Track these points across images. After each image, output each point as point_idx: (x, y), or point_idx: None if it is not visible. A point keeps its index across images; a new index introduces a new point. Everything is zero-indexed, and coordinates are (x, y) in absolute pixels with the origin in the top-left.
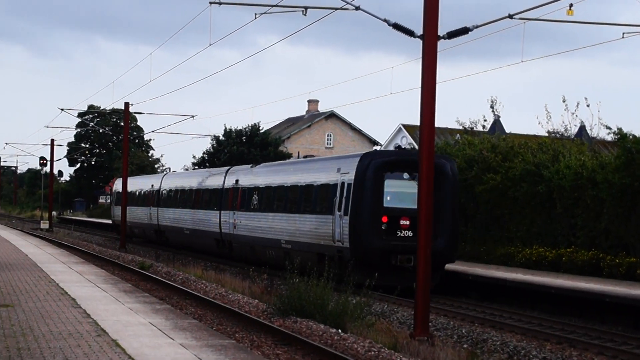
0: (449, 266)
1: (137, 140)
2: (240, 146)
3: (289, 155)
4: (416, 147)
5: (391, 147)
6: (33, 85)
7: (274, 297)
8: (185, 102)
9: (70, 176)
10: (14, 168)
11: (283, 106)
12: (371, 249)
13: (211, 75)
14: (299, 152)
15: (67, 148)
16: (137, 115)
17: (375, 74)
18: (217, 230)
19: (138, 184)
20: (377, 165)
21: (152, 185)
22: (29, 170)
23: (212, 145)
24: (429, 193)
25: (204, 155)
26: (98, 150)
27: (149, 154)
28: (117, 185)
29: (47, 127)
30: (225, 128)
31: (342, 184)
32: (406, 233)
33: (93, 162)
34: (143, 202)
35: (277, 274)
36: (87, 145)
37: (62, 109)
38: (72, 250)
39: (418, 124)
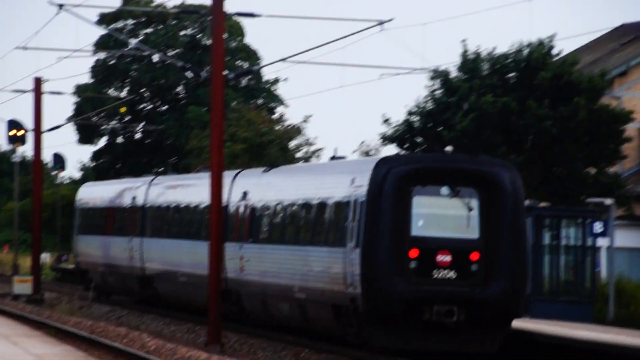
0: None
1: (247, 82)
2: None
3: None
4: None
5: None
6: None
7: None
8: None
9: (84, 168)
10: None
11: None
12: (392, 296)
13: None
14: None
15: (75, 101)
16: (244, 22)
17: None
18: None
19: (104, 194)
20: (400, 175)
21: (134, 198)
22: None
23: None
24: None
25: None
26: (149, 107)
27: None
28: (85, 193)
29: (26, 48)
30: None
31: (356, 201)
32: (446, 274)
33: (138, 136)
34: (118, 228)
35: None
36: (122, 94)
37: (60, 5)
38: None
39: None
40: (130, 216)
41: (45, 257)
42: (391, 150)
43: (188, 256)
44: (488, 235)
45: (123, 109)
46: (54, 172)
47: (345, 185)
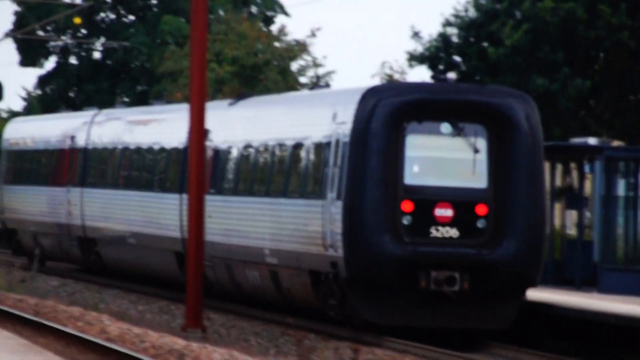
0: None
1: None
2: None
3: None
4: None
5: None
6: None
7: None
8: None
9: (28, 97)
10: None
11: None
12: (380, 259)
13: None
14: None
15: (15, 10)
16: None
17: None
18: (176, 236)
19: (37, 133)
20: (391, 108)
21: (73, 138)
22: None
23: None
24: None
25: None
26: (111, 17)
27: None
28: (13, 131)
29: None
30: None
31: (337, 142)
32: (446, 232)
33: (97, 55)
34: (53, 176)
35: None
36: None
37: None
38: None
39: None
40: (69, 161)
41: None
42: (421, 73)
43: (138, 212)
44: (498, 184)
45: (77, 20)
46: None
47: (326, 121)
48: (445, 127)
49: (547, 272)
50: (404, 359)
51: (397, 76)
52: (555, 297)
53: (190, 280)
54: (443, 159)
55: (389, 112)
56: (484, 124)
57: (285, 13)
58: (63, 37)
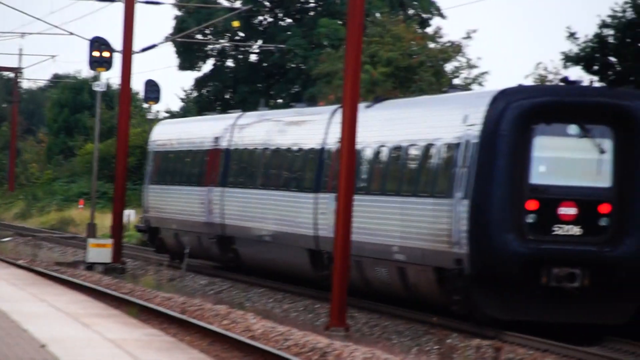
0: None
1: None
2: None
3: None
4: None
5: None
6: None
7: None
8: None
9: (186, 99)
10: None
11: None
12: (504, 257)
13: None
14: None
15: (176, 14)
16: None
17: None
18: (309, 233)
19: (183, 134)
20: (520, 110)
21: (217, 139)
22: (57, 78)
23: None
24: None
25: None
26: (268, 20)
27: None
28: (160, 133)
29: None
30: None
31: (467, 143)
32: (569, 230)
33: (253, 57)
34: (193, 176)
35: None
36: (236, 4)
37: None
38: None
39: None
40: (211, 161)
41: (130, 215)
42: (576, 73)
43: (274, 211)
44: (622, 184)
45: (236, 24)
46: (145, 105)
47: (457, 123)
48: (573, 128)
49: None
50: (545, 359)
51: (551, 77)
52: None
53: (335, 280)
54: (569, 159)
55: (518, 114)
56: (610, 126)
57: (441, 15)
58: (221, 41)
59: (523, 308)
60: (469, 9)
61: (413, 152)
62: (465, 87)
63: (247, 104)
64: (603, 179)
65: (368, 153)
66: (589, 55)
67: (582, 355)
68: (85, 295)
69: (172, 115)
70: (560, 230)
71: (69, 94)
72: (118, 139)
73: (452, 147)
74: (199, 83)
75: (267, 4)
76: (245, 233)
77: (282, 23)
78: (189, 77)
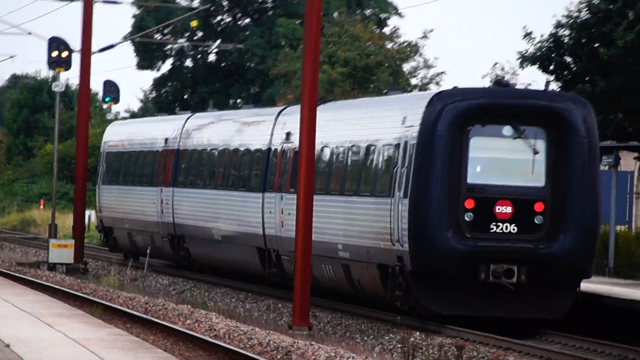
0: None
1: None
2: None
3: None
4: None
5: None
6: None
7: None
8: None
9: (144, 99)
10: None
11: None
12: (443, 253)
13: None
14: None
15: (134, 13)
16: None
17: None
18: (257, 232)
19: (134, 135)
20: (456, 113)
21: (167, 140)
22: (16, 78)
23: None
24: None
25: None
26: (227, 20)
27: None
28: (112, 134)
29: None
30: None
31: (406, 144)
32: (506, 228)
33: (212, 57)
34: (145, 177)
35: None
36: (194, 3)
37: None
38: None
39: None
40: (161, 162)
41: (91, 215)
42: (532, 73)
43: (224, 210)
44: (555, 183)
45: (194, 23)
46: (105, 106)
47: (396, 125)
48: (507, 129)
49: None
50: (507, 357)
51: (508, 77)
52: None
53: (297, 279)
54: (504, 159)
55: (454, 116)
56: (543, 127)
57: (399, 14)
58: (180, 40)
59: (463, 303)
60: (427, 8)
61: (355, 152)
62: (405, 89)
63: (206, 104)
64: (537, 178)
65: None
66: (545, 55)
67: (543, 353)
68: (48, 295)
69: (133, 115)
70: (497, 228)
71: (28, 94)
72: (78, 140)
73: (392, 147)
74: (158, 83)
75: (225, 3)
76: (196, 232)
77: (240, 23)
78: (149, 77)
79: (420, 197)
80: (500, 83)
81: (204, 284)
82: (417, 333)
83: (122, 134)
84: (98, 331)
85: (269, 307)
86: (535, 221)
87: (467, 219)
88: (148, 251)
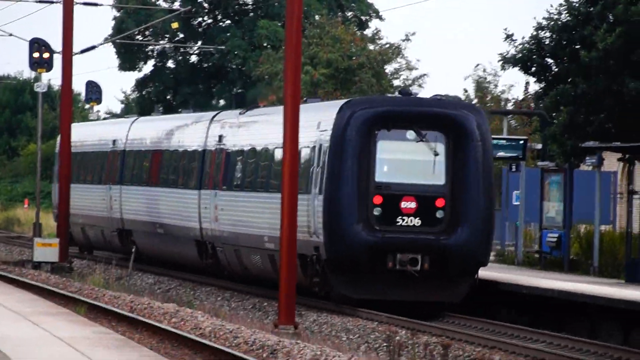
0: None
1: None
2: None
3: None
4: None
5: None
6: None
7: None
8: None
9: (126, 100)
10: None
11: None
12: (355, 244)
13: None
14: None
15: (115, 15)
16: None
17: None
18: (196, 226)
19: (91, 135)
20: (363, 119)
21: (114, 142)
22: None
23: None
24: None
25: None
26: (208, 21)
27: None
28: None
29: None
30: None
31: (320, 146)
32: (410, 221)
33: (193, 58)
34: (97, 176)
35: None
36: (175, 5)
37: None
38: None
39: None
40: (110, 162)
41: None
42: (513, 74)
43: (165, 206)
44: (454, 181)
45: (175, 25)
46: (87, 106)
47: (312, 129)
48: (410, 134)
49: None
50: (493, 355)
51: (489, 78)
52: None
53: (283, 277)
54: (408, 160)
55: (362, 122)
56: (442, 132)
57: (380, 17)
58: (161, 42)
59: (373, 289)
60: (408, 11)
61: (278, 153)
62: (323, 98)
63: (188, 105)
64: (438, 177)
65: (241, 154)
66: (526, 57)
67: (529, 352)
68: (33, 294)
69: (114, 115)
70: (403, 221)
71: (11, 95)
72: (61, 140)
73: (309, 149)
74: (140, 84)
75: (206, 5)
76: (141, 226)
77: (221, 24)
78: (131, 78)
79: (333, 194)
80: (403, 92)
81: (190, 283)
82: (403, 332)
83: (77, 135)
84: (83, 330)
85: (255, 305)
86: (437, 215)
87: (375, 213)
88: (133, 250)
